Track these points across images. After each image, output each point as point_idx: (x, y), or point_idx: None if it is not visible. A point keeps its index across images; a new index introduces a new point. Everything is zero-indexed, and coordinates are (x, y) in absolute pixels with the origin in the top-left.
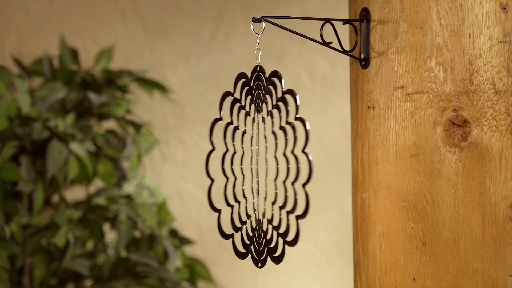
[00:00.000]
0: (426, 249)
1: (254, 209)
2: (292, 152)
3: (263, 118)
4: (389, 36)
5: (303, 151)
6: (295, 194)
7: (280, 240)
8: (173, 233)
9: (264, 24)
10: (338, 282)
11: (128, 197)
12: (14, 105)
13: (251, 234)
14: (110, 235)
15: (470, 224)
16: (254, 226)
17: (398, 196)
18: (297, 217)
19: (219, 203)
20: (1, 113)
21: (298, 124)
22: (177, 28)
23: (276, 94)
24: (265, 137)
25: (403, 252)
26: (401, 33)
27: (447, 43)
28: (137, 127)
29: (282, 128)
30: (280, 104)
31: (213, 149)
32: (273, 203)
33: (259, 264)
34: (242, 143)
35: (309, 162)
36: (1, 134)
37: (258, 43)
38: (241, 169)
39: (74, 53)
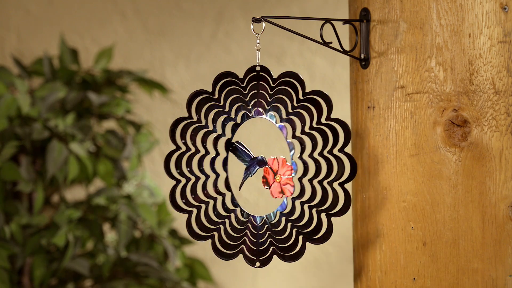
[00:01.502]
0: (426, 249)
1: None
2: (329, 152)
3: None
4: (389, 36)
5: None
6: (328, 192)
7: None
8: (173, 233)
9: (264, 24)
10: (338, 282)
11: (128, 197)
12: (14, 105)
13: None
14: (110, 235)
15: (470, 224)
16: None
17: (398, 196)
18: (332, 215)
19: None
20: (1, 113)
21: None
22: (177, 28)
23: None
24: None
25: (403, 252)
26: (401, 33)
27: (447, 43)
28: (137, 127)
29: (315, 129)
30: (307, 105)
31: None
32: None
33: (258, 264)
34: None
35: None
36: (1, 134)
37: (258, 43)
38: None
39: (74, 53)
